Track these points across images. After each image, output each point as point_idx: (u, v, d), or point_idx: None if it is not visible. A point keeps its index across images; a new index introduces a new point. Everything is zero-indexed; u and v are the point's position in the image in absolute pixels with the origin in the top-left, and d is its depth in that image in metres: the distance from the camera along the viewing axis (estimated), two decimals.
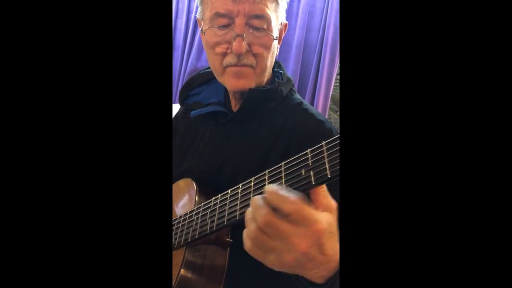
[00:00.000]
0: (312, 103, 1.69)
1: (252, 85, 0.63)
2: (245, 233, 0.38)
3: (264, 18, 0.60)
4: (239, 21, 0.59)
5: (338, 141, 0.37)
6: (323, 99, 1.70)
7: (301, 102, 0.70)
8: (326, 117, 1.77)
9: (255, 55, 0.62)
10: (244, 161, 0.64)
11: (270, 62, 0.65)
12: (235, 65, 0.61)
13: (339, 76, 3.12)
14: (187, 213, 0.55)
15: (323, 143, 0.38)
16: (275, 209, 0.35)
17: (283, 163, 0.42)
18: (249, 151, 0.65)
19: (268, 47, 0.62)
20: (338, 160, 0.36)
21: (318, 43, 1.61)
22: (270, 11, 0.61)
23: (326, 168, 0.36)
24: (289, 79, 0.71)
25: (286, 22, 0.68)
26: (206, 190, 0.59)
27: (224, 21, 0.60)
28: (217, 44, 0.62)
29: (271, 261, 0.37)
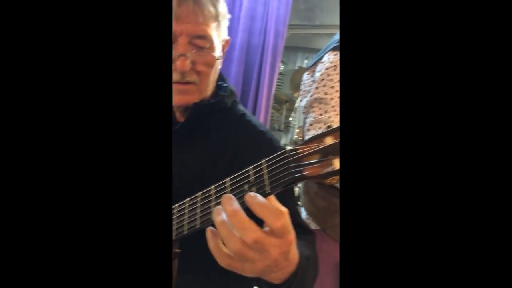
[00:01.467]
0: (255, 102, 1.74)
1: (196, 100, 0.66)
2: (222, 249, 0.40)
3: (206, 38, 0.62)
4: (181, 40, 0.61)
5: (279, 158, 0.41)
6: (266, 98, 1.76)
7: (244, 114, 0.73)
8: (269, 116, 1.84)
9: (198, 73, 0.64)
10: (192, 173, 0.66)
11: (213, 77, 0.68)
12: (178, 83, 0.63)
13: (280, 76, 3.22)
14: None
15: (263, 160, 0.42)
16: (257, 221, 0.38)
17: (228, 179, 0.45)
18: (196, 163, 0.66)
19: (211, 65, 0.65)
20: (278, 176, 0.40)
21: (260, 46, 1.66)
22: (212, 30, 0.63)
23: (265, 184, 0.40)
24: (232, 91, 0.74)
25: (228, 38, 0.71)
26: None
27: None
28: None
29: (245, 270, 0.40)
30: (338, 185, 0.91)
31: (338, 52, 0.90)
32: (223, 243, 0.40)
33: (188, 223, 0.47)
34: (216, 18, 0.64)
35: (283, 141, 3.37)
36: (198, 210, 0.46)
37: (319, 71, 0.92)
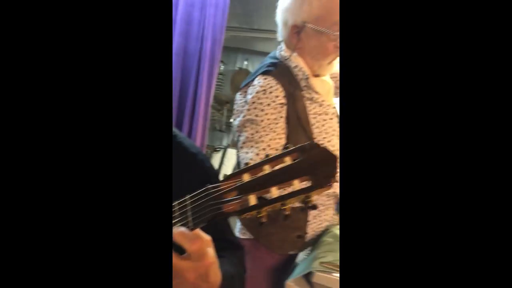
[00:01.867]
0: (193, 105, 1.73)
1: None
2: None
3: None
4: None
5: (201, 194, 0.44)
6: (204, 104, 1.76)
7: (176, 135, 0.74)
8: (208, 121, 1.85)
9: None
10: None
11: None
12: None
13: (221, 76, 3.23)
14: None
15: (187, 197, 0.44)
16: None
17: None
18: None
19: None
20: (200, 213, 0.43)
21: (197, 52, 1.66)
22: None
23: (189, 221, 0.43)
24: None
25: None
26: None
27: None
28: None
29: None
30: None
31: (267, 76, 0.96)
32: None
33: None
34: None
35: (224, 142, 3.39)
36: None
37: (250, 94, 0.96)
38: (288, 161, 0.42)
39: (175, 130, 0.75)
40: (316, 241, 1.10)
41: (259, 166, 0.43)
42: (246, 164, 0.96)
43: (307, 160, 0.41)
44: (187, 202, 0.44)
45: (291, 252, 1.10)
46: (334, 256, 0.94)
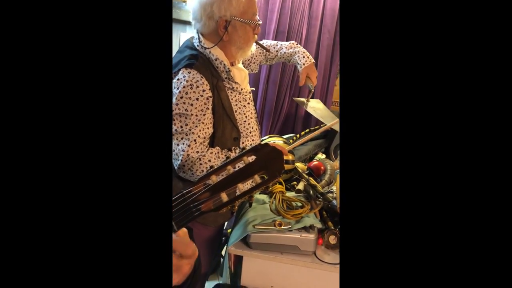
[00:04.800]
0: None
1: None
2: None
3: None
4: None
5: (179, 200, 0.51)
6: None
7: None
8: None
9: None
10: None
11: None
12: None
13: None
14: None
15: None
16: None
17: None
18: None
19: None
20: (182, 216, 0.50)
21: None
22: None
23: (172, 224, 0.50)
24: None
25: None
26: None
27: None
28: None
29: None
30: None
31: (191, 70, 1.00)
32: None
33: None
34: None
35: None
36: None
37: (177, 88, 0.99)
38: (246, 160, 0.53)
39: None
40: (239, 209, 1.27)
41: (223, 167, 0.53)
42: (177, 155, 1.02)
43: (261, 158, 0.53)
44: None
45: (222, 222, 1.25)
46: (261, 217, 1.12)
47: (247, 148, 0.54)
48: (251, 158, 0.53)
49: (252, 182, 0.53)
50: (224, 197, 0.52)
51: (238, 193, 0.52)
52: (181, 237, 0.49)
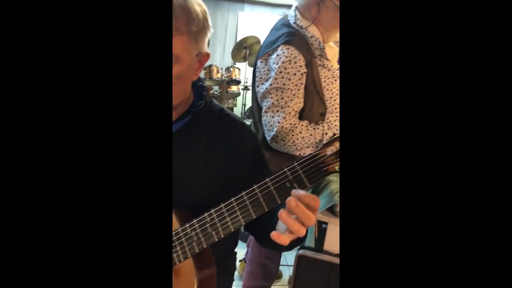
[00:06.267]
0: None
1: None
2: (293, 221, 0.56)
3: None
4: None
5: (309, 160, 0.59)
6: None
7: (222, 108, 0.84)
8: None
9: None
10: (191, 173, 0.75)
11: (179, 91, 0.72)
12: None
13: None
14: (178, 231, 0.66)
15: (296, 163, 0.60)
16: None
17: (268, 179, 0.61)
18: (193, 165, 0.75)
19: (175, 76, 0.67)
20: (314, 174, 0.59)
21: None
22: (180, 46, 0.65)
23: (305, 181, 0.59)
24: (205, 88, 0.82)
25: (207, 52, 0.74)
26: (181, 208, 0.70)
27: None
28: None
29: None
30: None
31: (289, 46, 1.07)
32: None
33: (232, 222, 0.62)
34: (189, 34, 0.66)
35: None
36: (249, 206, 0.62)
37: (276, 64, 1.07)
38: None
39: (217, 103, 0.84)
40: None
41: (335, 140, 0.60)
42: (271, 126, 1.10)
43: None
44: (296, 168, 0.59)
45: None
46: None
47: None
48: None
49: None
50: (336, 166, 0.59)
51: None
52: (305, 193, 0.57)
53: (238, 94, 3.69)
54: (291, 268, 2.02)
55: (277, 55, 1.08)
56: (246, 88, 3.70)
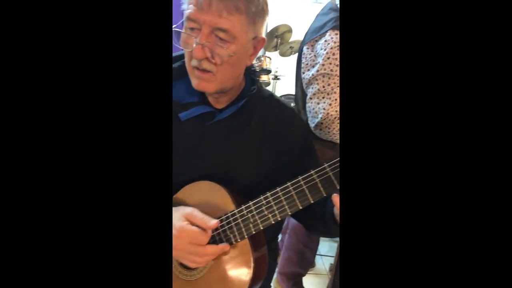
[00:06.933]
0: None
1: (213, 90, 0.70)
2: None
3: (227, 32, 0.63)
4: (204, 30, 0.63)
5: (338, 163, 0.59)
6: None
7: (272, 94, 0.84)
8: None
9: (214, 63, 0.66)
10: (243, 157, 0.76)
11: (232, 73, 0.70)
12: (197, 68, 0.67)
13: None
14: (234, 212, 0.68)
15: (326, 165, 0.60)
16: None
17: (300, 177, 0.62)
18: (243, 149, 0.75)
19: (223, 59, 0.66)
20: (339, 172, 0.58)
21: None
22: (238, 25, 0.64)
23: (335, 184, 0.59)
24: (254, 72, 0.82)
25: (263, 37, 0.71)
26: (233, 191, 0.72)
27: (192, 25, 0.64)
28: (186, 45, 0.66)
29: None
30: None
31: (338, 32, 1.05)
32: None
33: (289, 206, 0.64)
34: (247, 14, 0.64)
35: None
36: (307, 191, 0.63)
37: (323, 49, 1.06)
38: None
39: (266, 89, 0.85)
40: None
41: None
42: (316, 113, 1.09)
43: None
44: (327, 169, 0.60)
45: None
46: None
47: None
48: None
49: None
50: None
51: None
52: None
53: (268, 84, 3.68)
54: (324, 258, 2.04)
55: (325, 40, 1.06)
56: (276, 77, 3.68)
